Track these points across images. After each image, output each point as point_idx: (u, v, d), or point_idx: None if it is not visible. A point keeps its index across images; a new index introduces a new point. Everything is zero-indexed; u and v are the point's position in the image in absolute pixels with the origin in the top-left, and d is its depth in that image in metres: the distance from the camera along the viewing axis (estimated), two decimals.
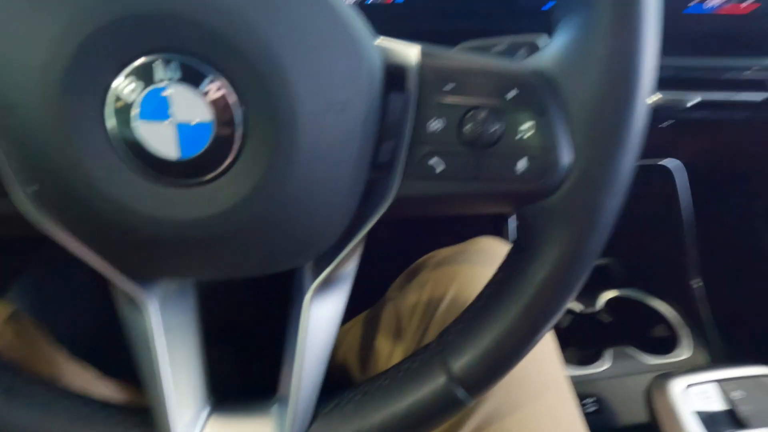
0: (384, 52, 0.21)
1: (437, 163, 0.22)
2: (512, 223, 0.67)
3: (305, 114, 0.18)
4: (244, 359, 0.72)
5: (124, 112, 0.18)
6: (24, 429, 0.23)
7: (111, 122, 0.18)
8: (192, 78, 0.18)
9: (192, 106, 0.18)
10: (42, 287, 0.65)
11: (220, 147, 0.18)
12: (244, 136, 0.18)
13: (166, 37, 0.17)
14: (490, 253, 0.45)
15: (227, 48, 0.17)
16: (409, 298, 0.45)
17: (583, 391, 0.71)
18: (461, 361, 0.25)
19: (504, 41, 0.27)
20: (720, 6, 0.50)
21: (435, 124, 0.22)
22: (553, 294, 0.24)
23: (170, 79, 0.18)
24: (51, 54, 0.17)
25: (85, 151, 0.18)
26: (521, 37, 0.27)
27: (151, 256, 0.21)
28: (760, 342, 0.74)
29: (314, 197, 0.20)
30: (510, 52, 0.27)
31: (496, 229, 0.68)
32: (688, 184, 0.82)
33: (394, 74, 0.22)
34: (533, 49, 0.26)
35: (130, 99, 0.18)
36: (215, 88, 0.18)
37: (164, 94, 0.18)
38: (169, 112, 0.18)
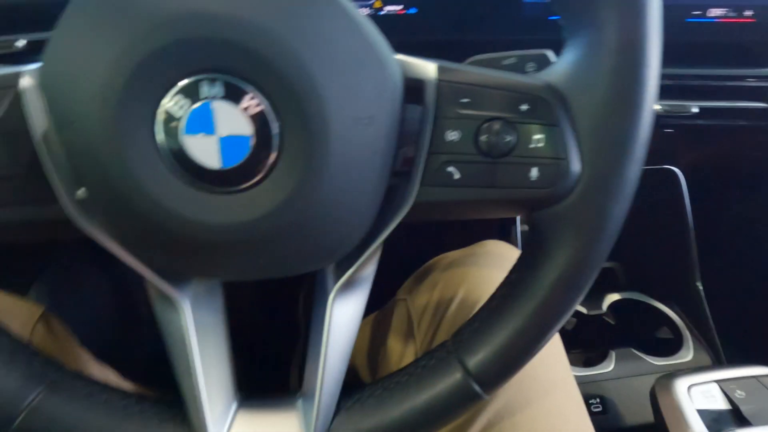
0: (403, 66, 0.23)
1: (454, 171, 0.24)
2: (518, 227, 0.69)
3: (336, 127, 0.20)
4: (256, 358, 0.73)
5: (172, 126, 0.19)
6: (66, 421, 0.25)
7: (160, 136, 0.20)
8: (234, 95, 0.19)
9: (233, 120, 0.20)
10: (59, 290, 0.67)
11: (258, 158, 0.20)
12: (280, 148, 0.20)
13: (211, 59, 0.19)
14: (497, 256, 0.47)
15: (266, 68, 0.19)
16: (419, 300, 0.46)
17: (587, 391, 0.72)
18: (477, 358, 0.26)
19: (513, 55, 0.29)
20: (721, 16, 0.51)
21: (452, 135, 0.23)
22: (564, 294, 0.25)
23: (214, 97, 0.19)
24: (109, 75, 0.19)
25: (136, 161, 0.19)
26: (529, 51, 0.28)
27: (190, 257, 0.22)
28: (762, 343, 0.75)
29: (342, 204, 0.22)
30: (519, 65, 0.28)
31: (503, 232, 0.69)
32: (689, 189, 0.83)
33: (412, 87, 0.23)
34: (543, 62, 0.28)
35: (177, 114, 0.19)
36: (255, 104, 0.19)
37: (208, 109, 0.19)
38: (212, 127, 0.20)
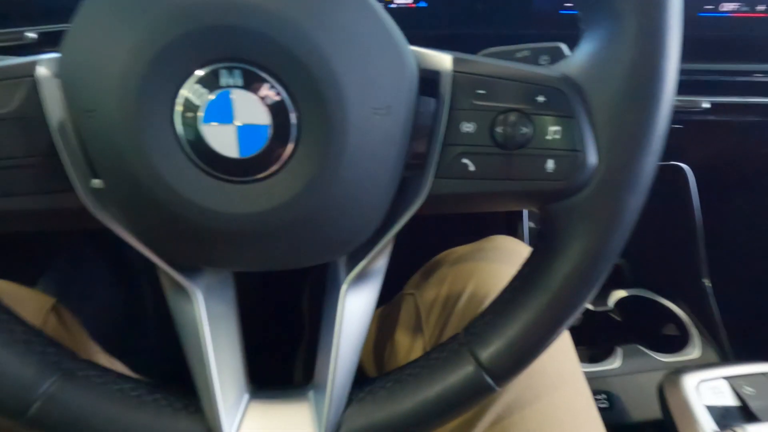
0: (418, 57, 0.23)
1: (469, 163, 0.23)
2: (525, 222, 0.69)
3: (354, 117, 0.20)
4: (260, 350, 0.74)
5: (190, 115, 0.19)
6: (81, 409, 0.25)
7: (178, 124, 0.20)
8: (252, 84, 0.19)
9: (251, 109, 0.19)
10: (66, 283, 0.67)
11: (275, 147, 0.20)
12: (298, 138, 0.20)
13: (230, 47, 0.19)
14: (505, 251, 0.47)
15: (285, 57, 0.19)
16: (427, 294, 0.47)
17: (594, 387, 0.72)
18: (489, 351, 0.26)
19: (526, 48, 0.28)
20: (734, 11, 0.51)
21: (467, 127, 0.23)
22: (576, 288, 0.25)
23: (233, 86, 0.19)
24: (129, 63, 0.19)
25: (155, 149, 0.19)
26: (542, 44, 0.28)
27: (205, 247, 0.22)
28: None
29: (358, 194, 0.22)
30: (533, 58, 0.28)
31: (510, 227, 0.69)
32: (697, 185, 0.83)
33: (428, 79, 0.23)
34: (557, 55, 0.28)
35: (196, 103, 0.19)
36: (273, 93, 0.19)
37: (227, 98, 0.19)
38: (230, 116, 0.20)
